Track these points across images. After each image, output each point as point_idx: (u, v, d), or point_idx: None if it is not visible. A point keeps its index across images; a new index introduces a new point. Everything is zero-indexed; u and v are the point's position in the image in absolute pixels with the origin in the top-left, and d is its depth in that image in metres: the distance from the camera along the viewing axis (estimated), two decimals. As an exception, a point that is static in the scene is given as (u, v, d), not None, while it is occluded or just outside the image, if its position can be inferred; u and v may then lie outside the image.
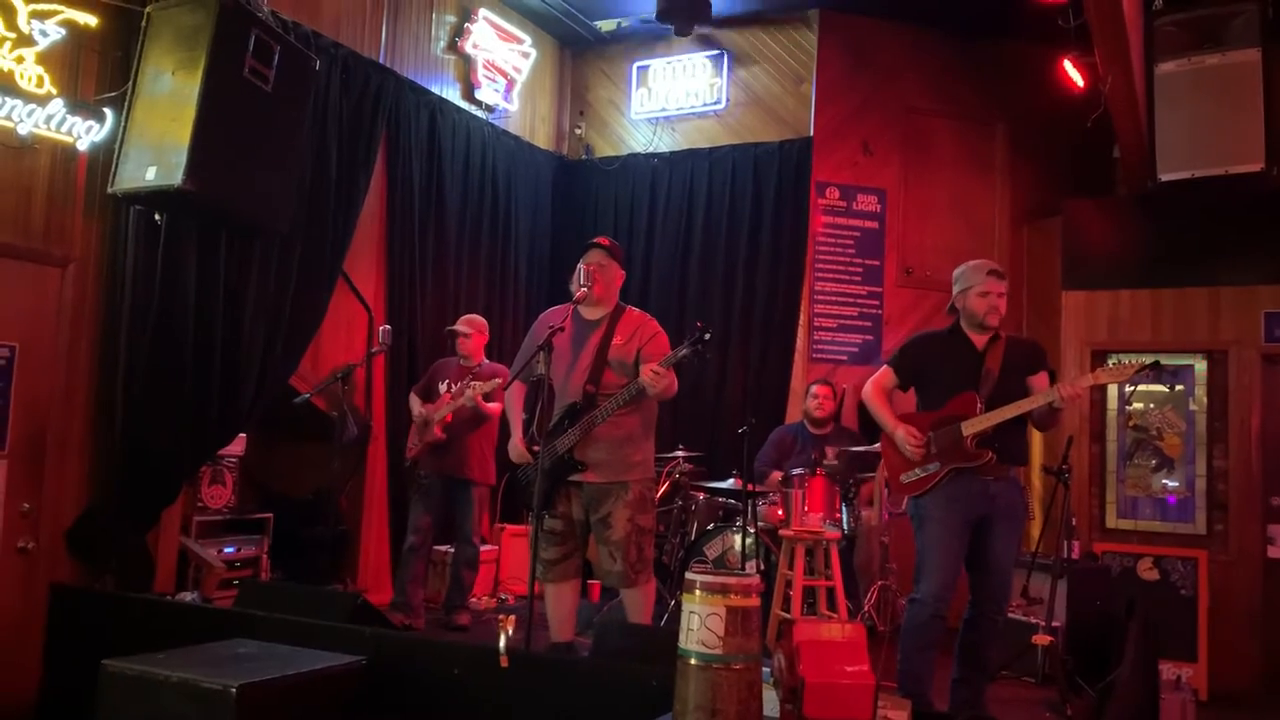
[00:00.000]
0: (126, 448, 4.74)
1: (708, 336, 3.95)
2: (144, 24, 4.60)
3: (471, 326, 5.92)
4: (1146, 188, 5.67)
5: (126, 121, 4.55)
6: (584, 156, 8.11)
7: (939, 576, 4.03)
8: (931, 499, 4.10)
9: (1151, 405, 6.43)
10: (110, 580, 4.65)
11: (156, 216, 4.77)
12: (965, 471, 4.04)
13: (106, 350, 4.79)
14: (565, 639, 4.34)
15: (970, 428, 4.04)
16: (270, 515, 5.83)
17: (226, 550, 5.51)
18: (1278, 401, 6.21)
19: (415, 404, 5.87)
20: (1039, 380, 4.16)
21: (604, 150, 8.07)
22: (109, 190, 4.57)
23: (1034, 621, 4.95)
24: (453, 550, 5.90)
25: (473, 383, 5.61)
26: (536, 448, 4.23)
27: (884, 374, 4.42)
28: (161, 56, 4.52)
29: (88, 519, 4.66)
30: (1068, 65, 5.83)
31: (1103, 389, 6.53)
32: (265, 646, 3.44)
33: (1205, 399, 6.27)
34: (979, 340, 4.24)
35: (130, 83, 4.58)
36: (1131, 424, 6.48)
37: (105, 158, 4.62)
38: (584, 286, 4.29)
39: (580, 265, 4.35)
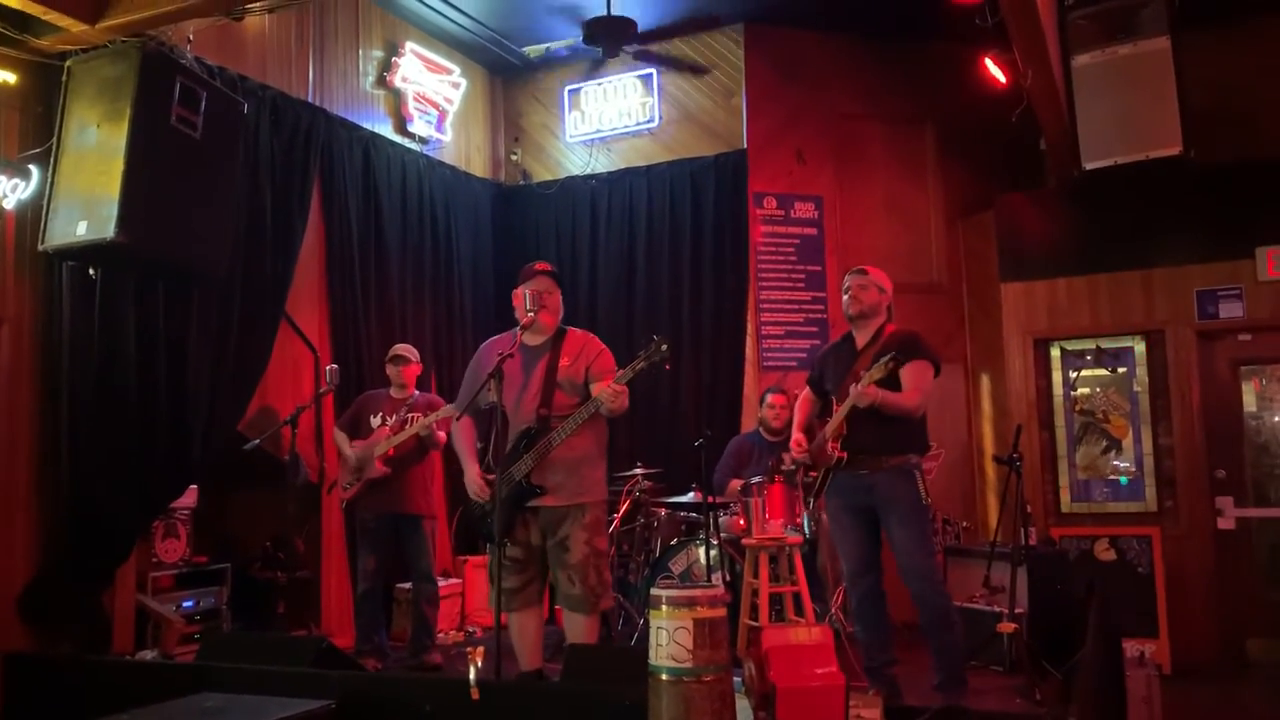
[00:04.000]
0: (75, 508, 4.66)
1: (665, 348, 3.99)
2: (65, 78, 4.55)
3: (413, 354, 5.84)
4: (1073, 177, 5.80)
5: (53, 177, 4.49)
6: (522, 182, 8.13)
7: (845, 563, 4.54)
8: (826, 497, 4.53)
9: (1097, 389, 6.56)
10: (67, 645, 4.54)
11: (91, 271, 4.70)
12: (841, 470, 4.39)
13: (48, 409, 4.70)
14: (534, 667, 4.30)
15: (827, 431, 4.42)
16: (228, 565, 5.73)
17: (185, 604, 5.41)
18: (1215, 376, 6.37)
19: (343, 441, 5.66)
20: (906, 372, 4.29)
21: (541, 175, 8.09)
22: (40, 248, 4.50)
23: (997, 610, 5.01)
24: (411, 589, 5.78)
25: (419, 415, 5.53)
26: (491, 477, 4.21)
27: (806, 390, 4.87)
28: (85, 109, 4.47)
29: (39, 583, 4.56)
30: (989, 63, 5.96)
31: (1048, 377, 6.67)
32: (231, 698, 3.39)
33: (1146, 379, 6.41)
34: (861, 339, 4.55)
35: (55, 138, 4.53)
36: (1078, 409, 6.60)
37: (34, 215, 4.55)
38: (530, 312, 4.29)
39: (526, 291, 4.35)
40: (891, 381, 4.28)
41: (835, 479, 4.44)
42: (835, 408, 4.43)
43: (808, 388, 4.83)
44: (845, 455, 4.34)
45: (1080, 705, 2.91)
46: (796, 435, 4.66)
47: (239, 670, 3.64)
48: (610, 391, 4.04)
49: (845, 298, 4.58)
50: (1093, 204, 6.41)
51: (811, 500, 4.65)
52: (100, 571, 4.77)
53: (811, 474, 4.60)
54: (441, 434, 5.57)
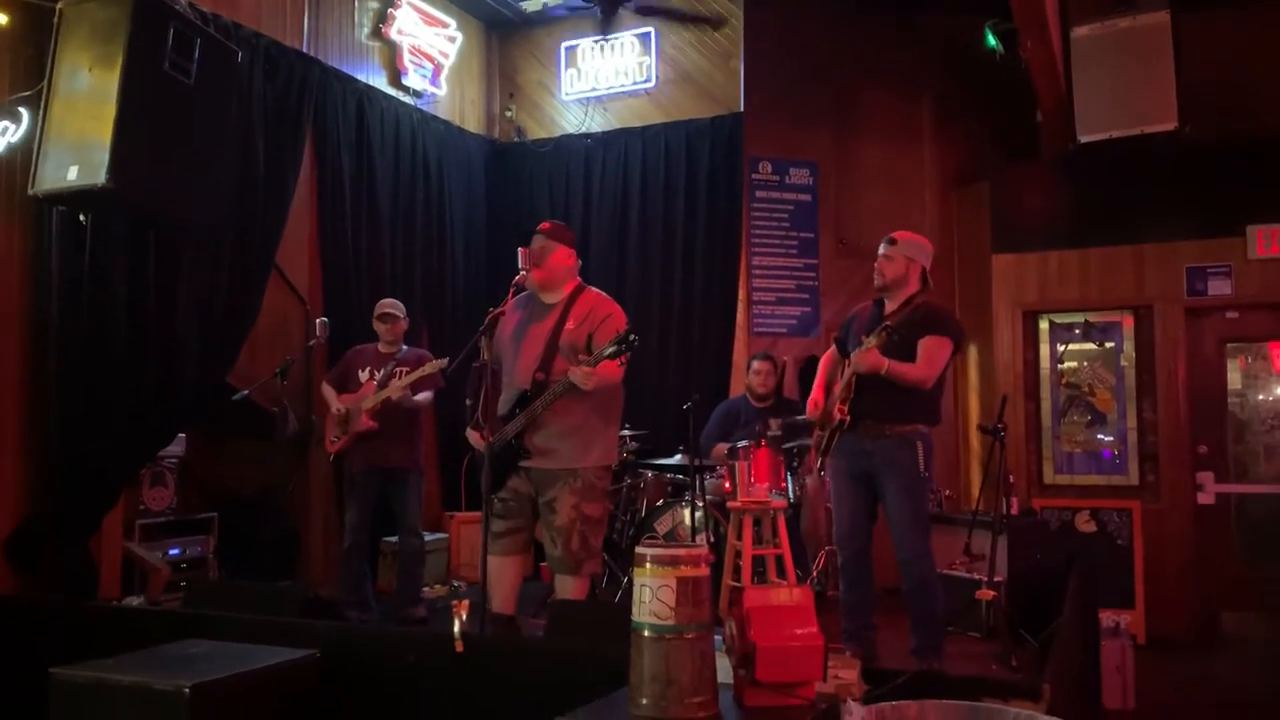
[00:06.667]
0: (63, 453, 4.66)
1: (633, 339, 3.96)
2: (57, 20, 4.47)
3: (400, 310, 5.81)
4: (1068, 150, 5.81)
5: (44, 121, 4.43)
6: (516, 139, 8.07)
7: (836, 525, 4.60)
8: (830, 458, 4.53)
9: (1084, 363, 6.60)
10: (54, 590, 4.56)
11: (81, 217, 4.67)
12: (846, 433, 4.40)
13: (36, 355, 4.69)
14: (506, 612, 4.27)
15: (836, 393, 4.45)
16: (215, 515, 5.76)
17: (171, 552, 5.43)
18: (1202, 353, 6.42)
19: (330, 395, 5.64)
20: (923, 344, 4.31)
21: (536, 132, 8.04)
22: (30, 192, 4.45)
23: (977, 577, 5.07)
24: (398, 543, 5.81)
25: (406, 369, 5.51)
26: (479, 433, 4.23)
27: (832, 347, 4.85)
28: (77, 52, 4.41)
29: (26, 528, 4.57)
30: (988, 32, 5.93)
31: (1035, 350, 6.71)
32: (217, 645, 3.41)
33: (1133, 354, 6.45)
34: (890, 306, 4.50)
35: (46, 81, 4.46)
36: (1064, 382, 6.65)
37: (24, 159, 4.51)
38: (523, 270, 4.29)
39: (522, 250, 4.35)
40: (906, 354, 4.27)
41: (840, 441, 4.44)
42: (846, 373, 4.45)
43: (834, 346, 4.81)
44: (848, 418, 4.34)
45: (1055, 673, 2.96)
46: (815, 394, 4.66)
47: (225, 618, 3.67)
48: (579, 375, 4.02)
49: (875, 266, 4.52)
50: (1086, 178, 6.42)
51: (820, 459, 4.63)
52: (89, 518, 4.78)
53: (818, 433, 4.58)
54: (420, 397, 5.56)
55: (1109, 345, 6.55)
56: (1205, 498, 6.30)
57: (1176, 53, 5.45)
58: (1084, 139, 5.68)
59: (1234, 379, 6.47)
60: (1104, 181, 6.36)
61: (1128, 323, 6.49)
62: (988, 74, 6.25)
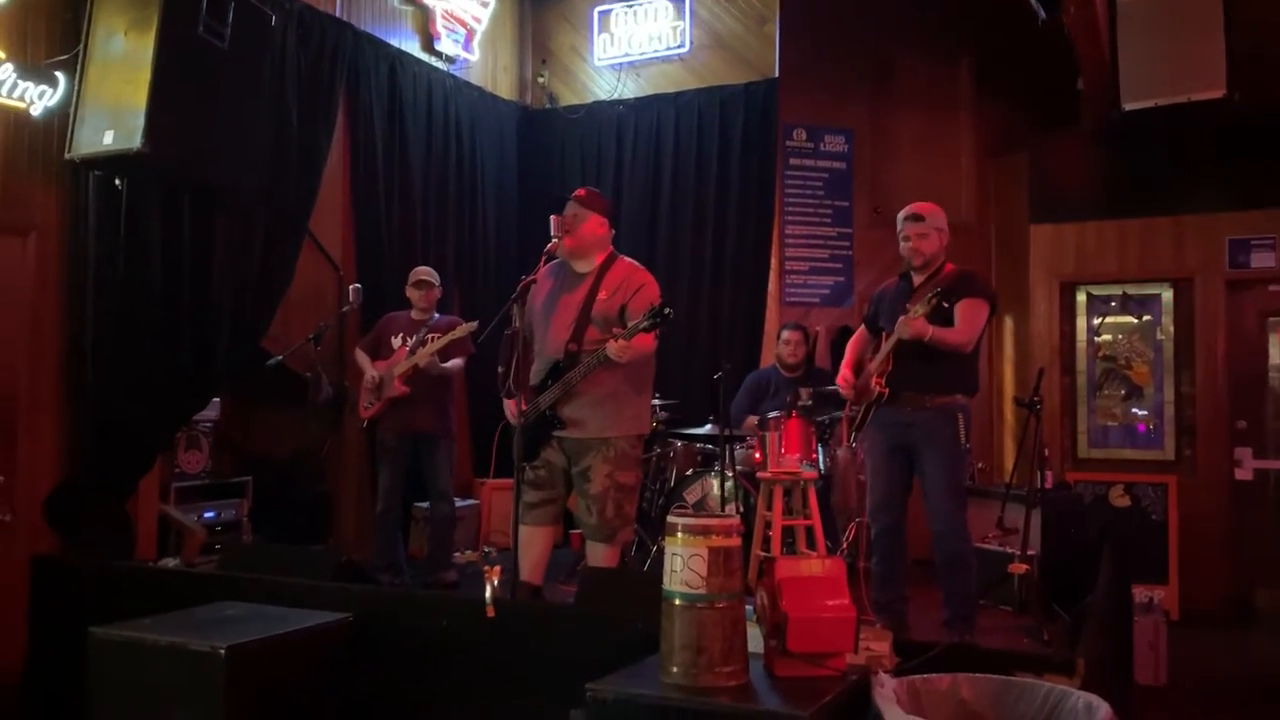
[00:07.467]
0: (100, 416, 4.71)
1: (668, 312, 3.94)
2: (91, -17, 4.49)
3: (435, 278, 5.82)
4: (1110, 118, 5.70)
5: (80, 85, 4.45)
6: (548, 105, 8.02)
7: (871, 497, 4.56)
8: (865, 432, 4.50)
9: (1120, 336, 6.51)
10: (91, 550, 4.63)
11: (117, 181, 4.69)
12: (884, 406, 4.36)
13: (74, 318, 4.73)
14: (534, 583, 4.28)
15: (872, 367, 4.42)
16: (249, 478, 5.81)
17: (206, 515, 5.49)
18: (1242, 327, 6.31)
19: (365, 362, 5.67)
20: (960, 308, 4.27)
21: (568, 99, 7.97)
22: (66, 156, 4.48)
23: (1010, 551, 5.04)
24: (429, 508, 5.85)
25: (438, 336, 5.52)
26: (513, 401, 4.23)
27: (861, 328, 4.84)
28: (112, 16, 4.42)
29: (65, 491, 4.63)
30: (1031, -3, 5.80)
31: (1072, 322, 6.62)
32: (251, 608, 3.46)
33: (1172, 327, 6.36)
34: (919, 278, 4.47)
35: (81, 45, 4.48)
36: (1101, 355, 6.57)
37: (61, 123, 4.53)
38: (554, 238, 4.27)
39: (554, 217, 4.33)
40: (944, 320, 4.23)
41: (878, 414, 4.40)
42: (881, 345, 4.41)
43: (863, 325, 4.78)
44: (886, 391, 4.30)
45: (1087, 648, 2.94)
46: (845, 373, 4.61)
47: (260, 580, 3.71)
48: (615, 349, 4.00)
49: (905, 245, 4.45)
50: (1128, 147, 6.30)
51: (854, 435, 4.60)
52: (125, 480, 4.83)
53: (851, 409, 4.55)
54: (449, 364, 5.57)
55: (1147, 318, 6.45)
56: (1243, 473, 6.22)
57: (1227, 18, 5.31)
58: (1128, 106, 5.56)
59: (1274, 353, 6.36)
60: (1145, 150, 6.24)
61: (1167, 295, 6.38)
62: (1028, 40, 6.11)
